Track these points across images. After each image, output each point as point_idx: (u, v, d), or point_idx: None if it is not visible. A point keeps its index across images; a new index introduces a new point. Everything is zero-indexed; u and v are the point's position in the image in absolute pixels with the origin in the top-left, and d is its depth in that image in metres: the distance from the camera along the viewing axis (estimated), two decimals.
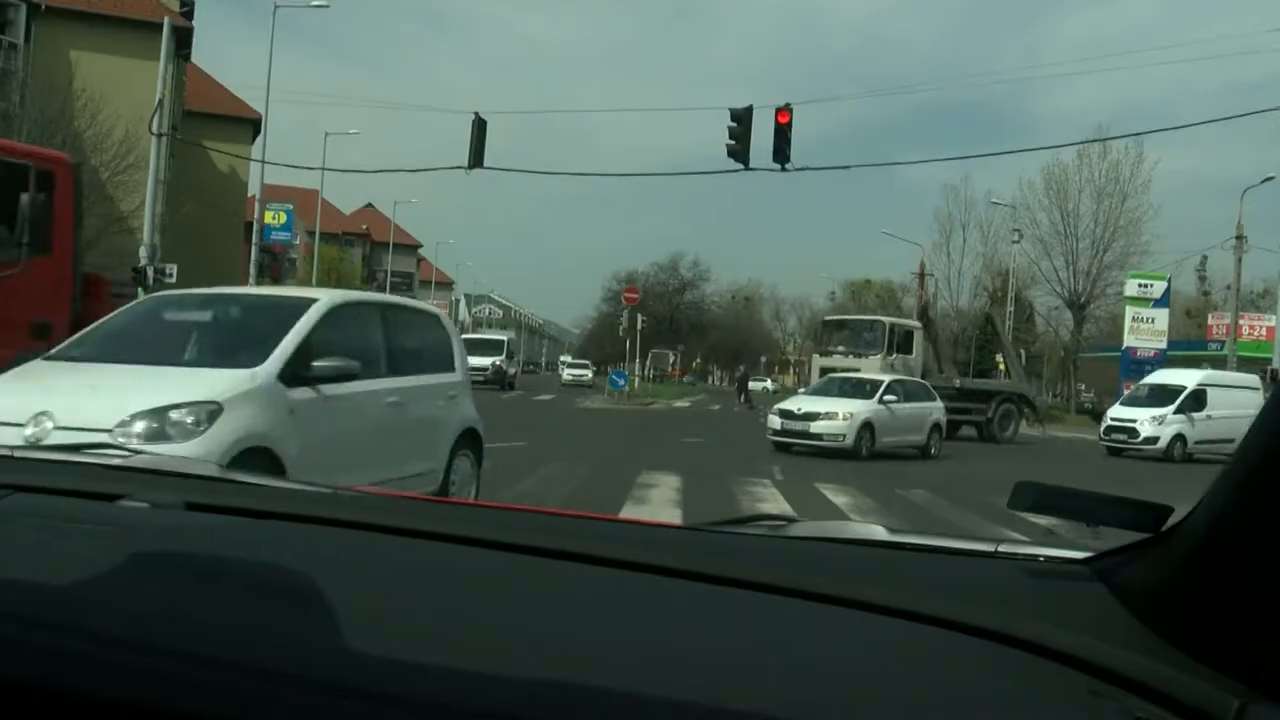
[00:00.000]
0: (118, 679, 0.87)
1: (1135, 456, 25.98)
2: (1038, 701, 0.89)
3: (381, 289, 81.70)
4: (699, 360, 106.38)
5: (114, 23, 43.63)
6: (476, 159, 22.65)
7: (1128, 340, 50.10)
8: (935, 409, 22.10)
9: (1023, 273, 59.55)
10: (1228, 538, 0.88)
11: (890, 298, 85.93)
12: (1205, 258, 60.47)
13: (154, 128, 25.36)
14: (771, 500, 11.76)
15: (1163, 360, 50.22)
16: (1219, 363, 48.87)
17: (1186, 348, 55.07)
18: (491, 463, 13.15)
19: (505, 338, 56.86)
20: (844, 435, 19.35)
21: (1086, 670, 0.92)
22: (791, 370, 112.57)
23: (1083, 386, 72.22)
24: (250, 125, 53.19)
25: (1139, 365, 49.45)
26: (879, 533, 1.40)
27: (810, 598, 1.06)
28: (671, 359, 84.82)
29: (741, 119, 20.42)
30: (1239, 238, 43.27)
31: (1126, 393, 30.79)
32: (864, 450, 19.39)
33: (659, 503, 10.89)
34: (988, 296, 66.71)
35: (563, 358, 55.13)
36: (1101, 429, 28.56)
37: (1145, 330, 49.73)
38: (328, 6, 39.88)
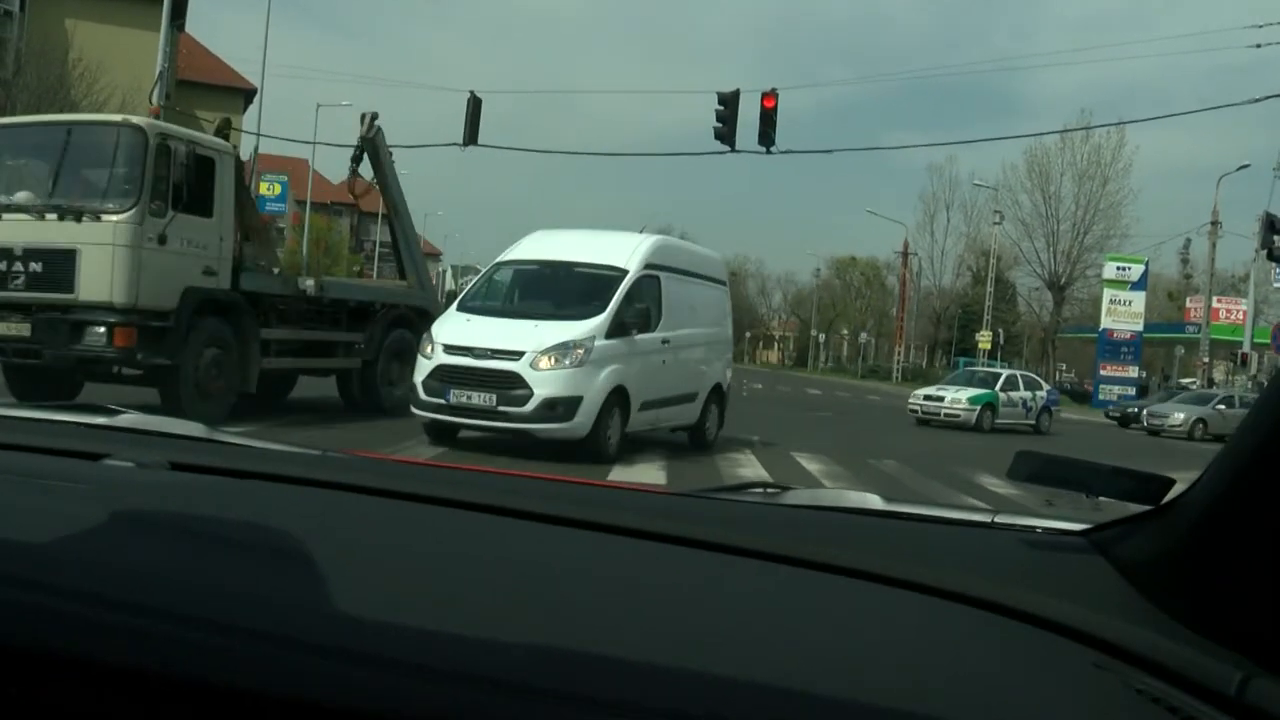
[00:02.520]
0: (101, 638, 0.87)
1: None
2: (1037, 674, 0.89)
3: (369, 259, 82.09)
4: None
5: None
6: (471, 136, 23.41)
7: (1105, 322, 50.81)
8: None
9: (1005, 253, 60.50)
10: (1230, 511, 0.88)
11: (875, 275, 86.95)
12: (1189, 240, 61.44)
13: (155, 100, 25.90)
14: (749, 466, 12.59)
15: (1139, 342, 51.17)
16: (1193, 345, 49.82)
17: (1166, 330, 55.92)
18: (482, 434, 13.93)
19: None
20: None
21: (1087, 643, 0.92)
22: (776, 346, 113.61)
23: (1063, 366, 73.17)
24: (241, 95, 53.49)
25: (1115, 346, 50.34)
26: (874, 501, 1.38)
27: (805, 565, 1.06)
28: None
29: (728, 102, 21.21)
30: (1214, 223, 44.22)
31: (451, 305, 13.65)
32: None
33: (644, 466, 11.68)
34: (971, 276, 67.81)
35: None
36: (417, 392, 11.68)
37: (1122, 312, 50.43)
38: None
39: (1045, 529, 1.22)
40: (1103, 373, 49.79)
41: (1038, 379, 29.14)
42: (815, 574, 1.05)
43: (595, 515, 1.19)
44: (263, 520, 1.10)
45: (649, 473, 11.20)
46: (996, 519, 1.30)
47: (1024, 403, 26.28)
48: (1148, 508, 1.06)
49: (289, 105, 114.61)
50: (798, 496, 1.46)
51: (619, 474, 10.82)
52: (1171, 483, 1.09)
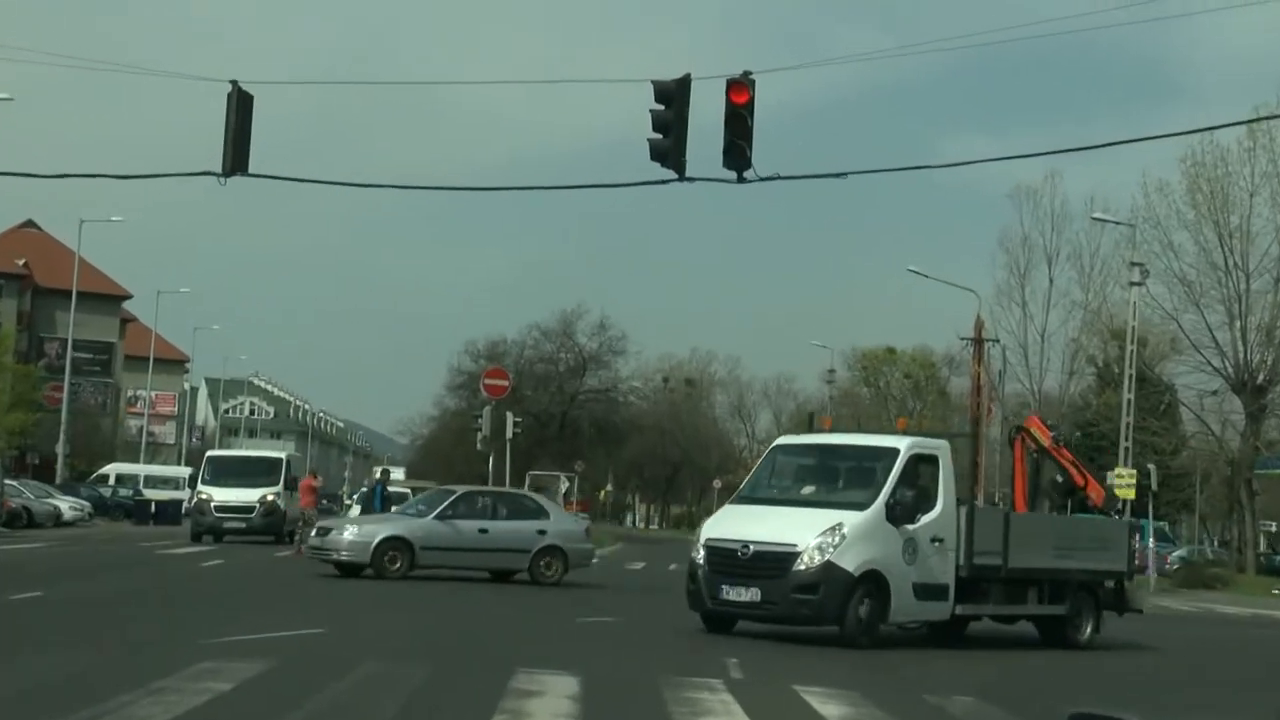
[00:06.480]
0: None
1: None
2: None
3: (57, 373, 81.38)
4: (609, 487, 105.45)
5: None
6: (236, 160, 23.44)
7: None
8: None
9: (1153, 335, 61.10)
10: None
11: (929, 378, 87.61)
12: None
13: None
14: (724, 715, 12.83)
15: None
16: None
17: None
18: (274, 662, 14.06)
19: (283, 456, 57.27)
20: None
21: None
22: None
23: (1269, 523, 73.37)
24: None
25: None
26: None
27: None
28: (564, 485, 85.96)
29: (671, 98, 21.31)
30: None
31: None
32: None
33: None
34: (1095, 374, 68.13)
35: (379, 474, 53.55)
36: None
37: None
38: None
39: None
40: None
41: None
42: None
43: None
44: None
45: None
46: None
47: None
48: None
49: None
50: None
51: None
52: None
